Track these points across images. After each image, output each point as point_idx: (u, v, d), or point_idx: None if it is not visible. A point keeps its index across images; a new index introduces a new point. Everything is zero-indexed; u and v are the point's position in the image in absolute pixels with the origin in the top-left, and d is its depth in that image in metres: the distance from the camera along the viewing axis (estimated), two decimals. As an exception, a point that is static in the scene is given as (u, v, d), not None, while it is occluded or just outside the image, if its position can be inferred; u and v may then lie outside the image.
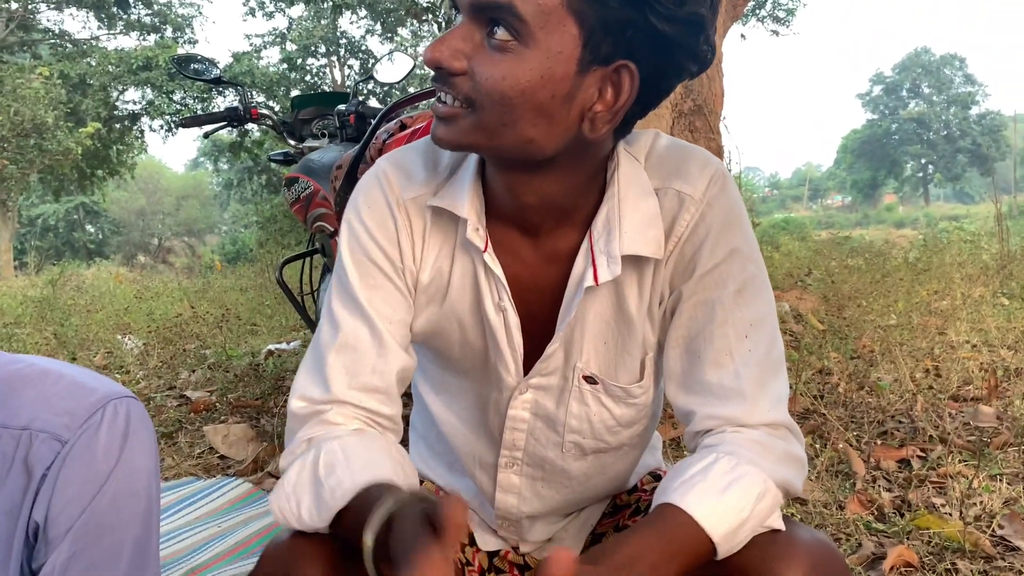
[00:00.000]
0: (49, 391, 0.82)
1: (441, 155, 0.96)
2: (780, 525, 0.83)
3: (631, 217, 0.89)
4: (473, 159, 0.93)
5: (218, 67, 2.97)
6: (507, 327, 0.94)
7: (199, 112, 18.81)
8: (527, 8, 0.75)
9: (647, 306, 0.93)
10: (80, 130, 17.88)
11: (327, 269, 2.72)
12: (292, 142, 2.91)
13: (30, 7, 19.13)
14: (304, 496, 0.83)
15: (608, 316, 0.94)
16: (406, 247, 0.94)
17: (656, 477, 1.13)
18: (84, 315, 5.61)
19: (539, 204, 0.89)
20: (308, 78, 21.27)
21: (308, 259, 2.91)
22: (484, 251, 0.91)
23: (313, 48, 21.00)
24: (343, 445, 0.85)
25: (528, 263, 0.94)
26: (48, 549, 0.78)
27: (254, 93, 18.24)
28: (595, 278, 0.89)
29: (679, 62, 0.81)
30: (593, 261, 0.89)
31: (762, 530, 0.81)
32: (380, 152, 2.03)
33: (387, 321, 0.92)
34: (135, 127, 20.27)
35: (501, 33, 0.77)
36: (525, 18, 0.75)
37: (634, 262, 0.91)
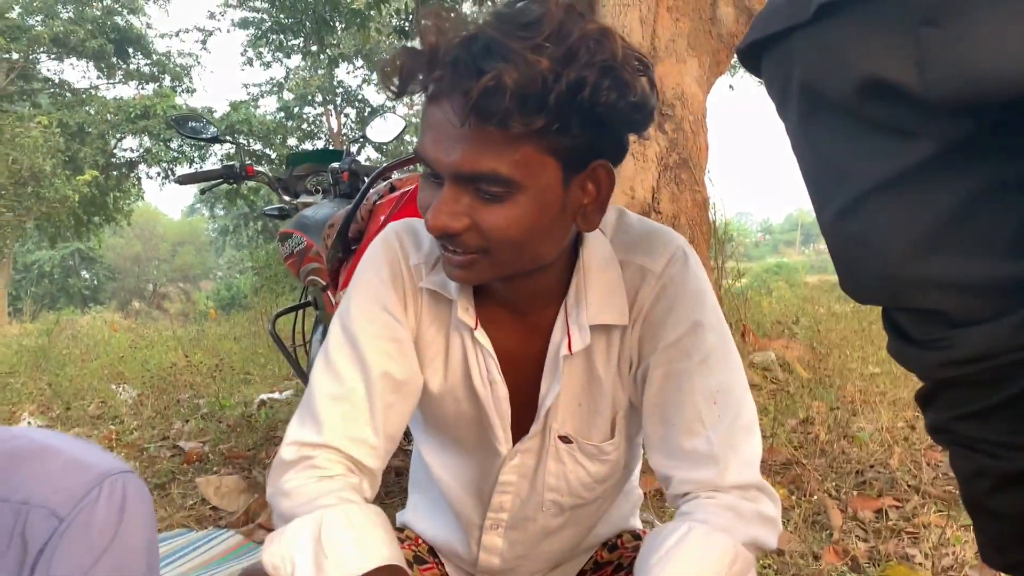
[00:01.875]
0: (48, 467, 0.84)
1: None
2: None
3: (596, 288, 0.96)
4: None
5: (214, 126, 3.07)
6: (495, 398, 1.01)
7: (196, 159, 19.01)
8: (508, 169, 0.81)
9: (615, 368, 1.00)
10: (78, 177, 18.01)
11: (319, 321, 2.78)
12: (287, 198, 3.00)
13: (31, 57, 19.39)
14: (304, 561, 0.85)
15: (581, 380, 1.01)
16: (411, 309, 1.01)
17: (635, 536, 1.19)
18: (79, 364, 5.64)
19: (532, 292, 0.97)
20: (305, 126, 21.51)
21: (301, 311, 2.98)
22: (475, 329, 0.98)
23: (310, 97, 21.28)
24: (349, 517, 0.88)
25: (513, 337, 1.01)
26: None
27: (251, 141, 18.47)
28: (569, 348, 0.96)
29: (636, 132, 0.89)
30: (568, 332, 0.97)
31: None
32: (371, 212, 2.11)
33: (388, 377, 0.96)
34: (132, 174, 20.44)
35: (490, 187, 0.83)
36: (510, 177, 0.82)
37: (602, 329, 0.98)
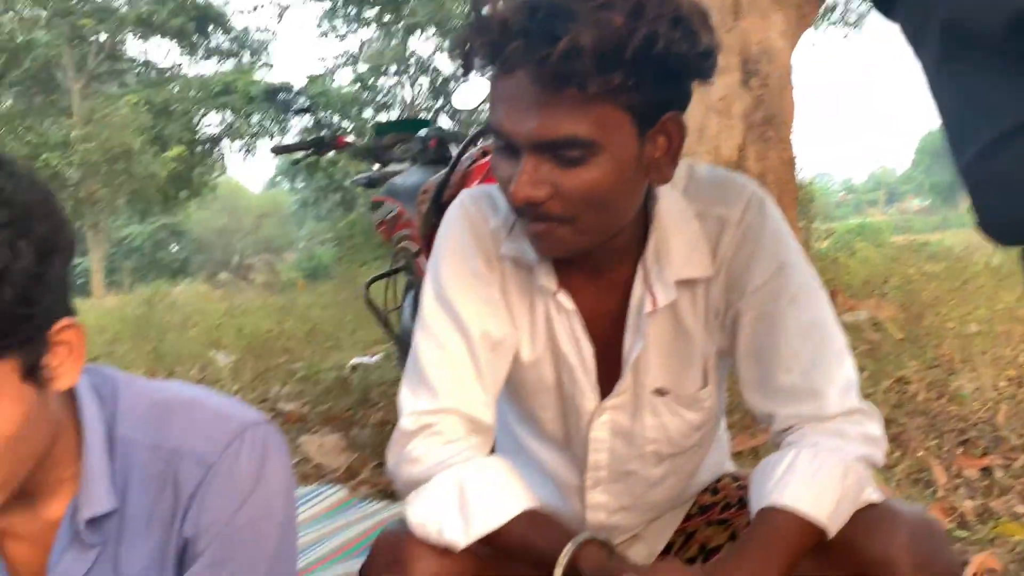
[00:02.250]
0: (195, 417, 0.90)
1: None
2: (878, 498, 0.91)
3: (677, 244, 0.98)
4: None
5: (304, 97, 3.15)
6: (581, 356, 1.03)
7: (276, 132, 19.44)
8: (587, 130, 0.83)
9: (703, 319, 1.02)
10: (164, 154, 18.67)
11: (410, 286, 2.84)
12: (376, 166, 3.06)
13: (118, 38, 20.05)
14: (451, 514, 0.90)
15: (669, 333, 1.02)
16: (496, 271, 1.03)
17: (735, 478, 1.21)
18: (178, 332, 5.90)
19: (608, 250, 0.99)
20: (379, 97, 21.70)
21: (391, 277, 3.05)
22: (557, 292, 1.00)
23: (384, 68, 21.43)
24: (486, 470, 0.93)
25: (590, 296, 1.02)
26: (193, 559, 0.87)
27: (329, 114, 18.79)
28: (654, 304, 0.98)
29: (704, 79, 0.90)
30: (650, 289, 0.98)
31: (861, 504, 0.89)
32: (464, 177, 2.15)
33: (487, 337, 0.99)
34: (216, 149, 21.04)
35: (570, 151, 0.85)
36: (589, 138, 0.83)
37: (685, 282, 0.99)
